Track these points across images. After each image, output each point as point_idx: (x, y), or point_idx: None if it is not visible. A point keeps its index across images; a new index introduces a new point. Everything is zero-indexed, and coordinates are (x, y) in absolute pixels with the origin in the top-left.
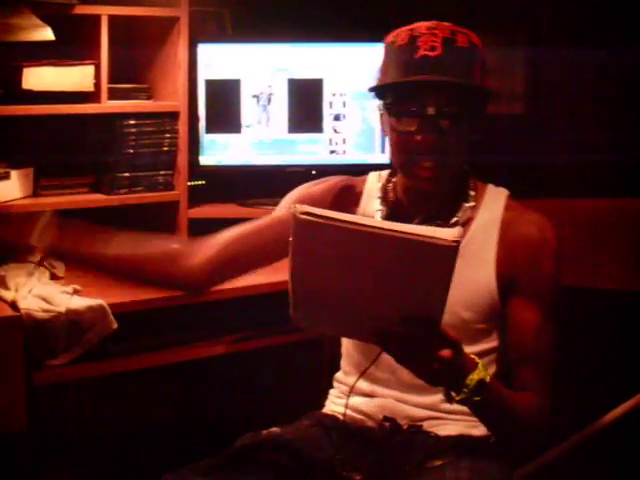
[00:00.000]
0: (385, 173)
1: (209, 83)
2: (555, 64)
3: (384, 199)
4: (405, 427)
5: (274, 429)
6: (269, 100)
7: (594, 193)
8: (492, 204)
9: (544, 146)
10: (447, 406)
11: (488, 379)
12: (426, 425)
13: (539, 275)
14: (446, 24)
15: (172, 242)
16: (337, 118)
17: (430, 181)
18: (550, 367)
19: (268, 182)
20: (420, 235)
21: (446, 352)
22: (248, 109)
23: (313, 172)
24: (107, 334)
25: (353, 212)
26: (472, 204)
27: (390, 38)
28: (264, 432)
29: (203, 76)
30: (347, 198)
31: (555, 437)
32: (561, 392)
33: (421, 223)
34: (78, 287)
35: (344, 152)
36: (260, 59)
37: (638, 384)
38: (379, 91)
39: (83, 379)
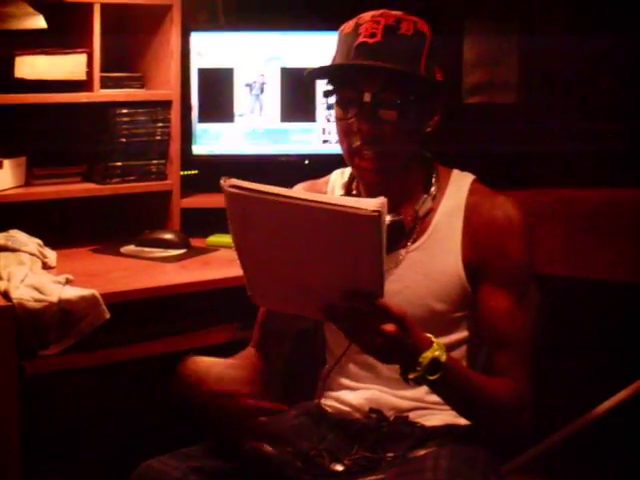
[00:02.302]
0: (348, 170)
1: (202, 72)
2: (548, 53)
3: (346, 195)
4: (391, 418)
5: (261, 418)
6: (262, 89)
7: (589, 182)
8: (456, 190)
9: (538, 135)
10: (433, 397)
11: (444, 358)
12: (412, 416)
13: (506, 259)
14: (395, 12)
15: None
16: (330, 107)
17: (374, 172)
18: (527, 351)
19: (261, 171)
20: (341, 205)
21: (389, 326)
22: (241, 98)
23: (306, 161)
24: (99, 324)
25: None
26: (433, 193)
27: (341, 27)
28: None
29: (196, 65)
30: None
31: (546, 429)
32: (554, 384)
33: None
34: (70, 277)
35: (337, 142)
36: (253, 48)
37: (633, 376)
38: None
39: (75, 369)
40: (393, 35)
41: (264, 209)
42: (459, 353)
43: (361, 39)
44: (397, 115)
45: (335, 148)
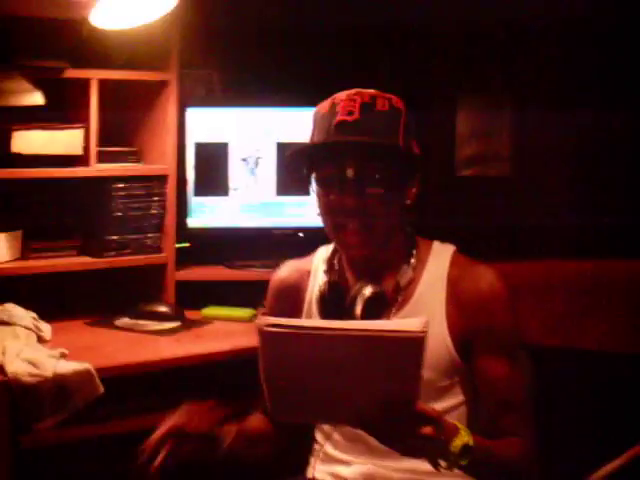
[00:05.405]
0: (332, 245)
1: (198, 146)
2: (540, 126)
3: (328, 271)
4: None
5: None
6: (257, 163)
7: (580, 255)
8: (437, 261)
9: (531, 208)
10: (426, 467)
11: (472, 442)
12: None
13: (497, 328)
14: (369, 91)
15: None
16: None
17: (359, 247)
18: (529, 409)
19: (255, 244)
20: (387, 331)
21: (427, 429)
22: (236, 172)
23: (300, 234)
24: (93, 398)
25: (303, 295)
26: (413, 264)
27: (316, 108)
28: None
29: (192, 139)
30: (295, 284)
31: None
32: (547, 454)
33: (359, 290)
34: (65, 351)
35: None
36: (248, 123)
37: (622, 446)
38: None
39: (70, 443)
40: (370, 111)
41: (305, 343)
42: (455, 417)
43: (339, 117)
44: (381, 189)
45: None
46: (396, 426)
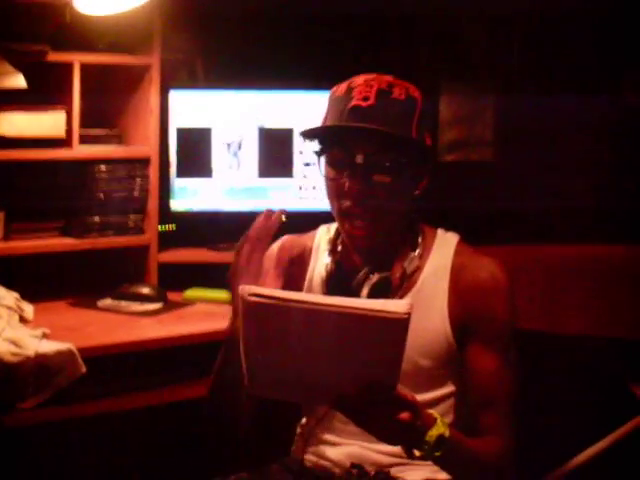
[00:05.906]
0: (334, 226)
1: (180, 131)
2: (524, 111)
3: (332, 252)
4: (372, 473)
5: (242, 474)
6: (240, 146)
7: (564, 239)
8: (442, 250)
9: (513, 193)
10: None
11: (447, 434)
12: (393, 471)
13: (494, 320)
14: (387, 77)
15: None
16: (308, 164)
17: (363, 238)
18: (513, 407)
19: (238, 227)
20: (371, 310)
21: (405, 415)
22: (219, 156)
23: (283, 218)
24: (76, 378)
25: (304, 271)
26: (419, 252)
27: (333, 89)
28: (232, 477)
29: (174, 123)
30: (297, 259)
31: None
32: (532, 440)
33: (366, 275)
34: (47, 331)
35: (314, 198)
36: (231, 106)
37: (605, 430)
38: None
39: (52, 422)
40: (386, 99)
41: (287, 315)
42: (445, 407)
43: (354, 102)
44: (390, 177)
45: (311, 205)
46: (374, 409)
